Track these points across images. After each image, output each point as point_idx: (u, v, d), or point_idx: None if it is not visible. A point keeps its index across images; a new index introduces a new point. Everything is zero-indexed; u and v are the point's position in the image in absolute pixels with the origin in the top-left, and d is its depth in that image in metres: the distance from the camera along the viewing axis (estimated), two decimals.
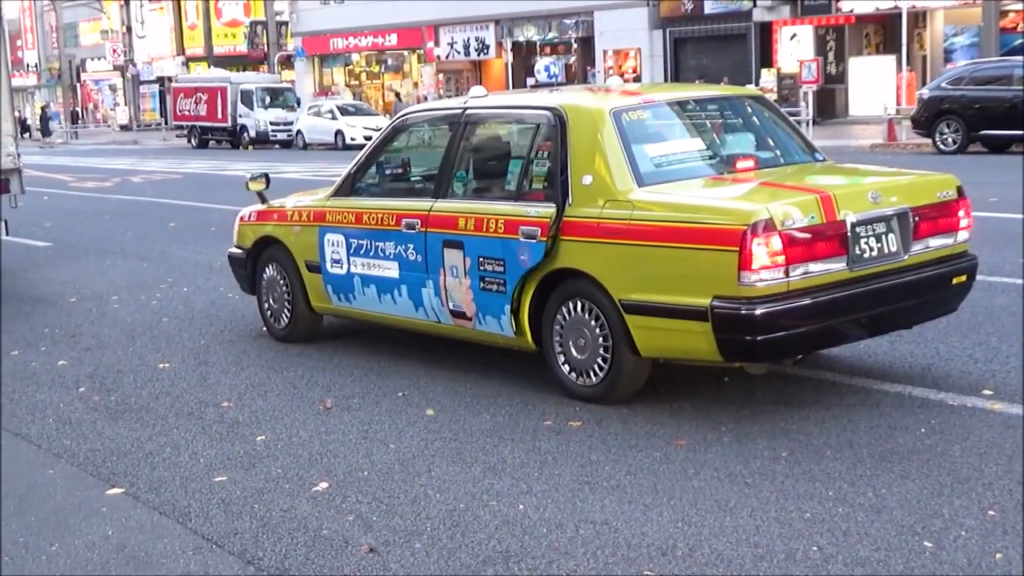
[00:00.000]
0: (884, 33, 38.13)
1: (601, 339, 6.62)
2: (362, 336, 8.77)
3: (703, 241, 6.07)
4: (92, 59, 74.12)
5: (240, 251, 9.31)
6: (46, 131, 60.92)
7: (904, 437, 5.89)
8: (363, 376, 7.75)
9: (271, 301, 9.00)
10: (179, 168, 33.93)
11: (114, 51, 70.08)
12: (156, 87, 67.53)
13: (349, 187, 8.31)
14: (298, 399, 7.32)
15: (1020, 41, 33.64)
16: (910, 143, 27.10)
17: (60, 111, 69.95)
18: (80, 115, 73.08)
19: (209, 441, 6.53)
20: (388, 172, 8.35)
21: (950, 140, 24.33)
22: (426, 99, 44.65)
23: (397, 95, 48.05)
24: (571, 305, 6.78)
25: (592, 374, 6.73)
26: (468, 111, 7.64)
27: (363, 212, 7.97)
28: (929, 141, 25.01)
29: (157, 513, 5.47)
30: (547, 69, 44.61)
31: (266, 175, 9.11)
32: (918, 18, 36.56)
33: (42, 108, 66.60)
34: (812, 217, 6.07)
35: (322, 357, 8.36)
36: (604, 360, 6.64)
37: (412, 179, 8.32)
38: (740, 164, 6.96)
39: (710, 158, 7.20)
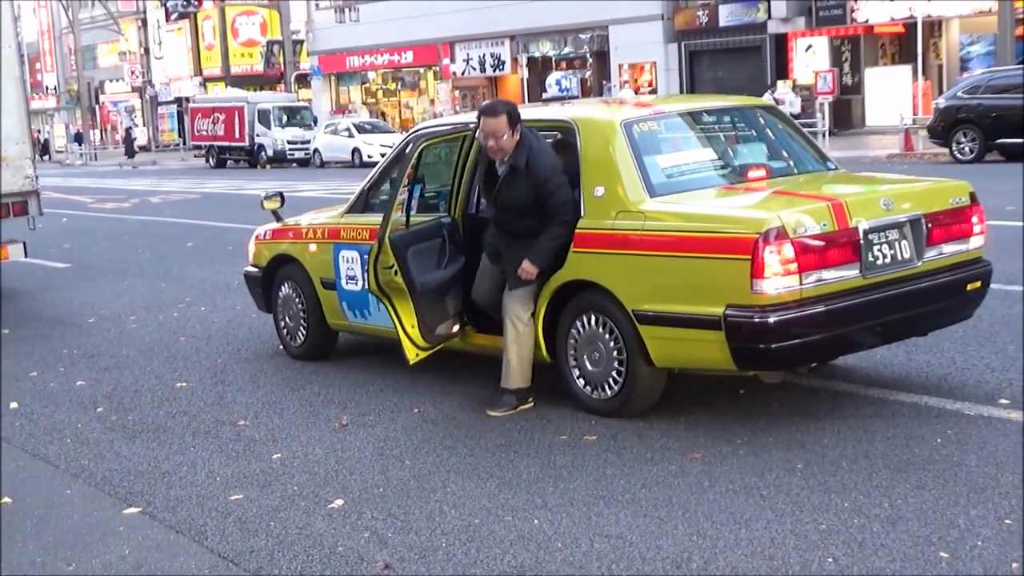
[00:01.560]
0: (899, 43, 38.06)
1: (615, 352, 6.63)
2: (378, 353, 8.78)
3: (715, 250, 6.07)
4: (111, 80, 74.52)
5: (256, 270, 9.34)
6: (44, 154, 61.42)
7: (920, 447, 5.87)
8: (379, 393, 7.77)
9: (287, 319, 9.03)
10: (197, 188, 34.06)
11: (132, 72, 70.43)
12: (174, 107, 67.81)
13: (363, 204, 8.34)
14: (314, 416, 7.34)
15: None
16: (927, 152, 27.02)
17: (79, 131, 70.30)
18: (102, 136, 73.54)
19: (226, 459, 6.55)
20: None
21: (967, 149, 24.25)
22: (442, 115, 44.77)
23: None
24: (585, 319, 6.78)
25: (607, 387, 6.73)
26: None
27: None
28: (946, 150, 24.94)
29: (174, 532, 5.49)
30: (559, 83, 44.68)
31: (280, 194, 9.15)
32: (933, 27, 36.49)
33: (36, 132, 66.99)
34: (824, 224, 6.07)
35: (338, 374, 8.38)
36: (619, 373, 6.65)
37: (426, 194, 8.33)
38: (752, 174, 6.97)
39: (722, 168, 7.21)
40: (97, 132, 73.65)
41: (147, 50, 70.75)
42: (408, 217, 7.58)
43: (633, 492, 5.54)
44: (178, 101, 66.69)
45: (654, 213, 6.45)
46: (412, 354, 7.33)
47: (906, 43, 36.24)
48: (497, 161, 6.96)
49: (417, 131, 8.10)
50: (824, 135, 29.29)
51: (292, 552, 5.11)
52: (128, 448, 6.90)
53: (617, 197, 6.64)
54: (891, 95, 35.64)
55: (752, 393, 7.03)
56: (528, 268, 6.82)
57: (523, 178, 6.81)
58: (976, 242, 6.85)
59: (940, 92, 31.10)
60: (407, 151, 7.69)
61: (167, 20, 65.98)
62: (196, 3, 59.75)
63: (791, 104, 33.82)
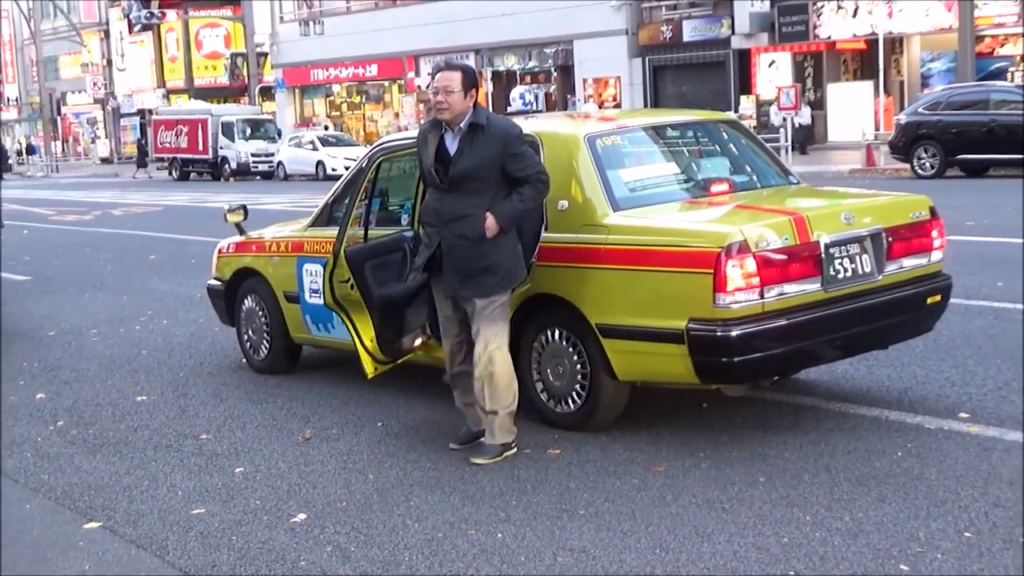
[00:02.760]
0: (861, 59, 38.40)
1: (579, 365, 6.64)
2: (341, 366, 8.75)
3: (678, 264, 6.10)
4: (72, 92, 74.07)
5: (219, 283, 9.31)
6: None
7: (881, 461, 5.91)
8: (342, 406, 7.74)
9: (250, 332, 8.99)
10: (160, 200, 33.90)
11: (94, 84, 70.02)
12: (137, 120, 67.45)
13: (327, 217, 8.32)
14: (277, 430, 7.31)
15: (996, 66, 33.95)
16: (888, 168, 27.25)
17: (41, 144, 69.81)
18: (63, 147, 73.04)
19: (187, 474, 6.51)
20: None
21: (928, 165, 24.49)
22: (407, 129, 44.74)
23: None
24: (549, 332, 6.79)
25: (571, 401, 6.74)
26: None
27: None
28: (907, 166, 25.18)
29: (135, 547, 5.44)
30: (522, 97, 44.69)
31: (244, 207, 9.11)
32: (895, 44, 36.83)
33: None
34: (786, 239, 6.11)
35: (301, 388, 8.35)
36: (582, 387, 6.66)
37: (390, 208, 8.32)
38: (715, 188, 7.01)
39: (685, 182, 7.24)
40: (59, 144, 73.08)
41: (110, 62, 70.42)
42: (366, 231, 7.57)
43: (596, 506, 5.55)
44: (141, 113, 66.36)
45: (617, 227, 6.48)
46: (370, 368, 7.31)
47: (868, 59, 36.58)
48: (451, 134, 6.33)
49: (379, 145, 8.09)
50: (787, 150, 29.48)
51: (254, 567, 5.08)
52: (89, 462, 6.85)
53: (581, 211, 6.66)
54: (853, 111, 35.93)
55: (715, 407, 7.05)
56: (491, 224, 6.17)
57: (486, 137, 6.22)
58: (936, 256, 6.91)
59: (901, 108, 31.38)
60: (365, 165, 7.69)
61: (130, 32, 65.77)
62: (159, 15, 59.50)
63: (799, 115, 33.93)
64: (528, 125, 7.49)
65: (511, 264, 6.33)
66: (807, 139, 34.95)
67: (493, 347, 6.30)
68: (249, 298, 8.95)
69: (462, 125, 6.28)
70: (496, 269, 6.27)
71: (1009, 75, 33.51)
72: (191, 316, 11.71)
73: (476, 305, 6.32)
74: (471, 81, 6.36)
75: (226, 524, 5.63)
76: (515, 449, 6.43)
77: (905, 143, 24.96)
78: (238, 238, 9.15)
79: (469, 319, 6.42)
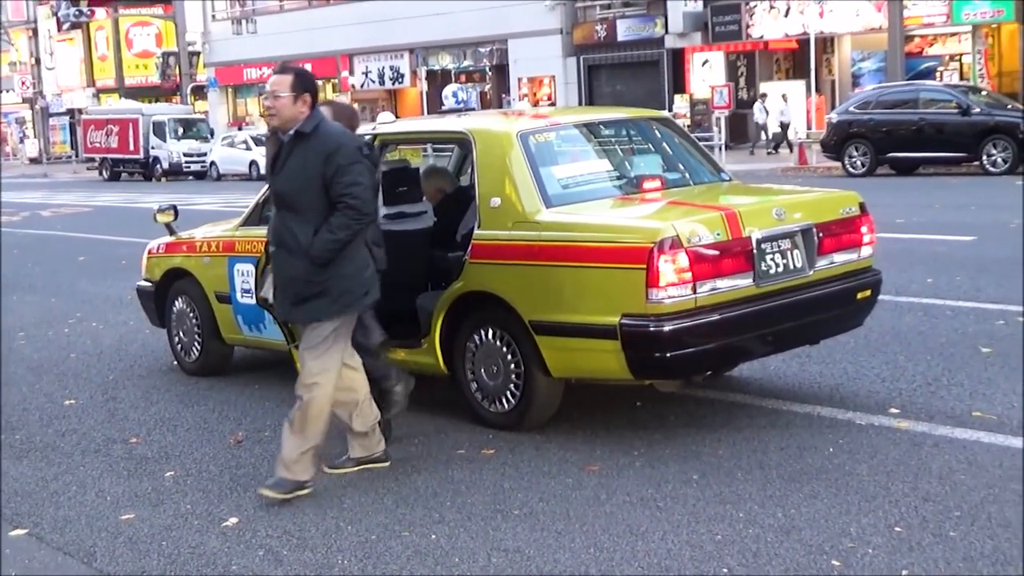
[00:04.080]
0: (793, 58, 38.72)
1: (513, 364, 6.61)
2: (274, 367, 8.66)
3: (611, 260, 6.10)
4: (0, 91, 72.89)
5: (148, 284, 9.18)
6: None
7: (813, 457, 5.95)
8: (275, 408, 7.66)
9: (181, 334, 8.87)
10: (90, 201, 33.45)
11: (23, 83, 68.94)
12: (66, 119, 66.51)
13: (258, 216, 8.23)
14: (208, 433, 7.22)
15: (925, 66, 34.39)
16: (820, 166, 27.51)
17: None
18: None
19: (116, 478, 6.40)
20: None
21: (859, 163, 24.76)
22: None
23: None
24: (482, 331, 6.76)
25: (505, 400, 6.71)
26: (377, 138, 7.59)
27: None
28: (839, 164, 25.43)
29: (62, 554, 5.35)
30: (455, 95, 44.34)
31: (174, 207, 9.00)
32: (826, 44, 37.18)
33: None
34: (718, 234, 6.13)
35: (233, 390, 8.26)
36: (516, 386, 6.64)
37: None
38: (647, 184, 7.00)
39: (617, 179, 7.26)
40: None
41: (38, 60, 69.36)
42: None
43: (531, 506, 5.53)
44: (71, 113, 65.44)
45: (550, 223, 6.47)
46: None
47: (800, 59, 36.88)
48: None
49: None
50: (720, 149, 29.66)
51: (185, 572, 5.01)
52: (15, 468, 6.71)
53: (513, 208, 6.64)
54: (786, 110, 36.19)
55: (648, 404, 7.06)
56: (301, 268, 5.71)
57: (308, 147, 5.68)
58: (866, 252, 6.98)
59: (833, 107, 31.70)
60: None
61: (59, 30, 64.82)
62: (88, 13, 58.69)
63: (784, 114, 34.06)
64: (461, 123, 7.49)
65: (348, 286, 5.78)
66: (783, 139, 35.00)
67: (312, 381, 5.80)
68: (180, 299, 8.83)
69: (291, 133, 5.78)
70: (329, 292, 5.74)
71: (938, 74, 33.99)
72: (121, 318, 11.55)
73: (304, 331, 5.91)
74: (304, 85, 5.77)
75: (156, 529, 5.55)
76: (310, 489, 5.84)
77: (836, 142, 25.22)
78: (168, 239, 9.03)
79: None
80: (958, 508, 5.11)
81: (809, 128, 31.70)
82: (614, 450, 6.27)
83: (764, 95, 36.00)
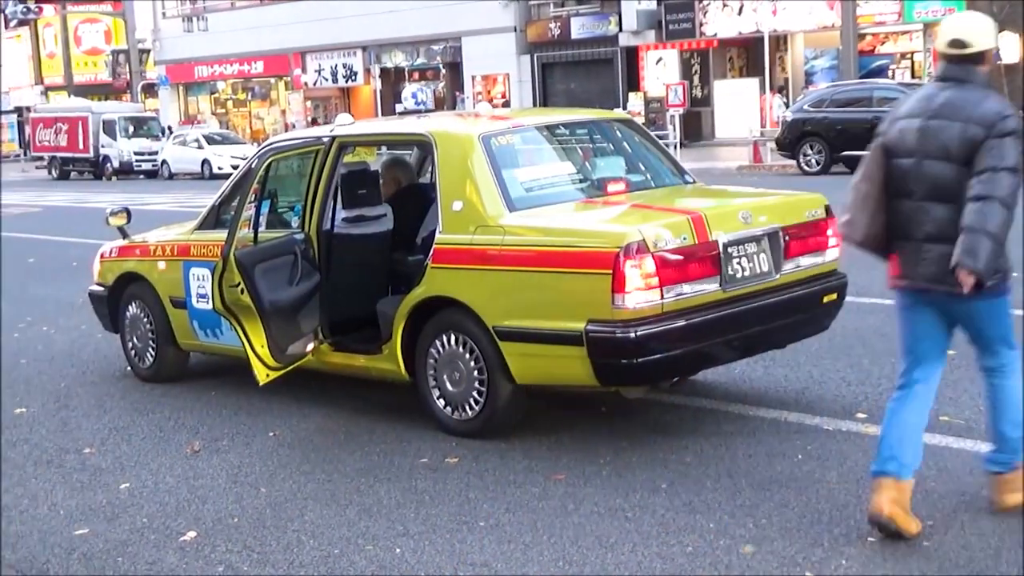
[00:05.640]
0: (747, 56, 38.87)
1: (476, 371, 6.50)
2: (232, 374, 8.49)
3: (576, 265, 6.00)
4: None
5: (101, 288, 8.99)
6: None
7: (782, 464, 5.87)
8: (232, 416, 7.51)
9: (135, 340, 8.69)
10: (39, 201, 32.95)
11: None
12: (14, 117, 65.68)
13: (214, 220, 8.08)
14: (164, 442, 7.05)
15: (877, 64, 34.60)
16: (775, 165, 27.58)
17: None
18: None
19: (70, 491, 6.23)
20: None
21: (813, 161, 24.81)
22: (295, 127, 44.17)
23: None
24: (444, 337, 6.64)
25: (468, 408, 6.59)
26: (335, 140, 7.46)
27: None
28: (794, 162, 25.49)
29: (13, 571, 5.19)
30: (415, 96, 44.30)
31: (127, 209, 8.82)
32: (779, 41, 37.33)
33: None
34: (684, 238, 6.05)
35: (190, 397, 8.09)
36: (480, 393, 6.52)
37: (278, 210, 8.12)
38: (611, 187, 6.93)
39: (581, 182, 7.17)
40: None
41: None
42: (256, 233, 7.36)
43: (497, 517, 5.41)
44: (18, 111, 64.62)
45: (513, 228, 6.36)
46: (262, 375, 7.10)
47: (753, 56, 37.02)
48: None
49: (269, 145, 7.87)
50: (676, 147, 29.68)
51: None
52: None
53: (476, 212, 6.53)
54: (740, 107, 36.35)
55: (614, 411, 6.97)
56: None
57: None
58: (831, 254, 6.92)
59: (787, 105, 31.79)
60: (255, 165, 7.47)
61: (6, 27, 63.92)
62: (36, 10, 58.00)
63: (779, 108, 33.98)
64: (422, 125, 7.39)
65: None
66: None
67: None
68: (133, 304, 8.65)
69: None
70: None
71: (890, 72, 34.18)
72: (72, 323, 11.31)
73: None
74: None
75: (111, 545, 5.39)
76: None
77: (791, 140, 25.27)
78: (121, 242, 8.85)
79: None
80: (930, 517, 5.04)
81: (763, 126, 31.76)
82: (580, 458, 6.17)
83: (783, 88, 36.01)
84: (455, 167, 6.72)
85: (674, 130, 31.24)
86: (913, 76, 33.49)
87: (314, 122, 41.20)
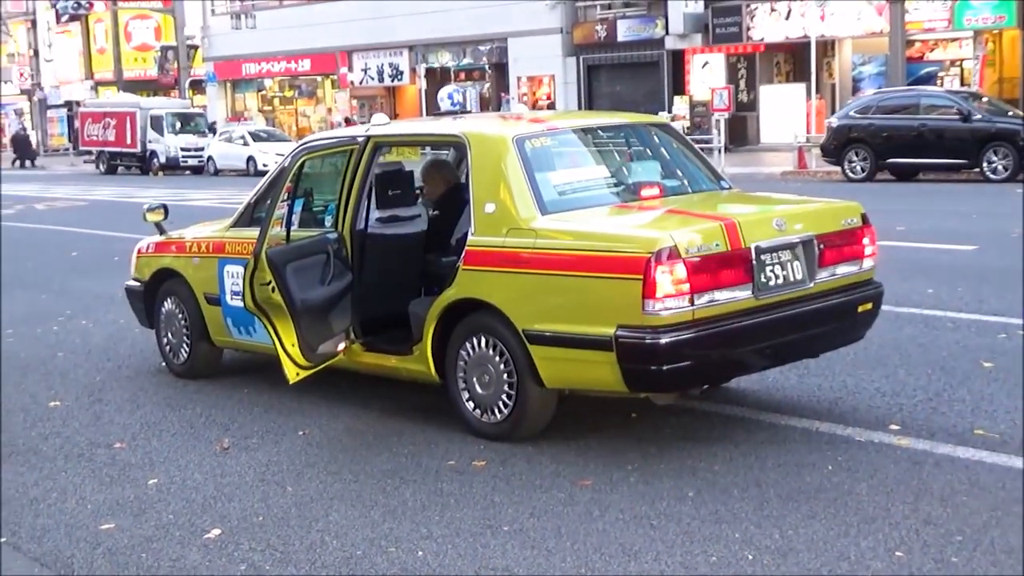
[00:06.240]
0: (794, 61, 38.56)
1: (506, 374, 6.47)
2: (264, 371, 8.51)
3: (607, 269, 5.96)
4: None
5: (137, 284, 9.04)
6: None
7: (811, 475, 5.80)
8: (263, 414, 7.52)
9: (169, 335, 8.73)
10: (85, 195, 33.26)
11: (21, 75, 68.75)
12: (64, 111, 66.29)
13: (249, 217, 8.10)
14: (194, 439, 7.07)
15: (926, 71, 34.27)
16: (820, 171, 27.36)
17: None
18: None
19: (98, 485, 6.26)
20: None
21: (859, 168, 24.61)
22: (341, 125, 44.24)
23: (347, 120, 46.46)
24: (475, 339, 6.62)
25: (497, 411, 6.57)
26: (370, 140, 7.45)
27: None
28: (838, 169, 25.29)
29: (38, 564, 5.21)
30: (451, 96, 44.12)
31: (164, 206, 8.87)
32: (827, 47, 37.02)
33: None
34: (717, 244, 5.99)
35: (222, 394, 8.11)
36: (509, 396, 6.49)
37: (313, 208, 8.12)
38: (645, 192, 6.88)
39: (615, 186, 7.13)
40: None
41: (36, 52, 69.14)
42: (288, 232, 7.37)
43: (521, 522, 5.38)
44: (68, 105, 65.22)
45: (545, 231, 6.33)
46: (292, 373, 7.10)
47: (800, 62, 36.76)
48: None
49: (303, 144, 7.88)
50: (720, 152, 29.51)
51: None
52: None
53: (508, 214, 6.50)
54: (785, 113, 36.09)
55: (643, 417, 6.92)
56: None
57: None
58: (867, 263, 6.83)
59: (833, 111, 31.56)
60: (288, 164, 7.48)
61: (57, 22, 64.52)
62: (87, 5, 58.45)
63: None
64: (456, 126, 7.36)
65: None
66: None
67: None
68: (169, 300, 8.69)
69: None
70: None
71: (939, 80, 33.86)
72: (110, 316, 11.39)
73: None
74: None
75: (136, 540, 5.41)
76: None
77: (836, 146, 25.06)
78: (158, 238, 8.90)
79: None
80: (960, 532, 4.97)
81: (809, 132, 31.53)
82: (608, 464, 6.12)
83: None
84: (488, 169, 6.70)
85: (719, 134, 31.05)
86: (962, 84, 33.14)
87: (347, 122, 41.15)
